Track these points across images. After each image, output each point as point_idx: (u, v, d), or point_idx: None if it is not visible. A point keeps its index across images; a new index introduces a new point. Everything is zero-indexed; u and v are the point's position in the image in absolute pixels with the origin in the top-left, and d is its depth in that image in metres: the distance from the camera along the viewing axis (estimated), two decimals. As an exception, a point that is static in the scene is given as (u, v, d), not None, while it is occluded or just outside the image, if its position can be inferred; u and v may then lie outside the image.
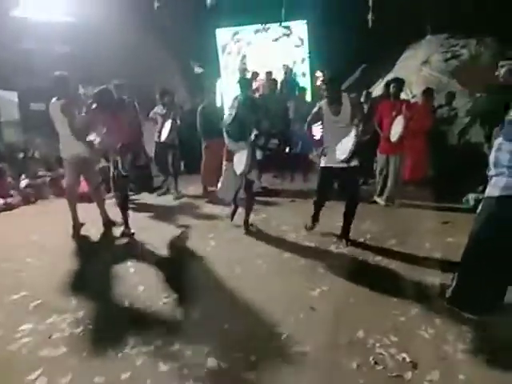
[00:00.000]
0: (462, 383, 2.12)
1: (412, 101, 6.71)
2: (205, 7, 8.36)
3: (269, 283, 3.27)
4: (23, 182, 6.36)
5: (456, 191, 5.49)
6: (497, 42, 8.49)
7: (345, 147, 3.66)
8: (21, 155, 7.02)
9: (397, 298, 2.97)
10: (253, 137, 4.26)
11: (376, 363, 2.25)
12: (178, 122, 6.20)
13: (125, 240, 4.32)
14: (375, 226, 4.57)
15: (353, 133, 3.60)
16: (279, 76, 8.69)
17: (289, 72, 9.04)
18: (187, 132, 6.68)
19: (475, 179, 5.60)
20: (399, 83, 5.25)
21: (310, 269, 3.52)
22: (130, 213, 4.52)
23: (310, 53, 9.85)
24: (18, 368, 2.30)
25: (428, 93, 6.28)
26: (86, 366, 2.29)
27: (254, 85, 8.42)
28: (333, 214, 4.33)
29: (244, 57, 10.08)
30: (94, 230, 4.61)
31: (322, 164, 4.01)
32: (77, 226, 4.49)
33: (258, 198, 5.69)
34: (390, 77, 8.44)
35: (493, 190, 2.44)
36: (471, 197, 5.28)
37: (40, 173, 6.77)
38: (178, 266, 3.70)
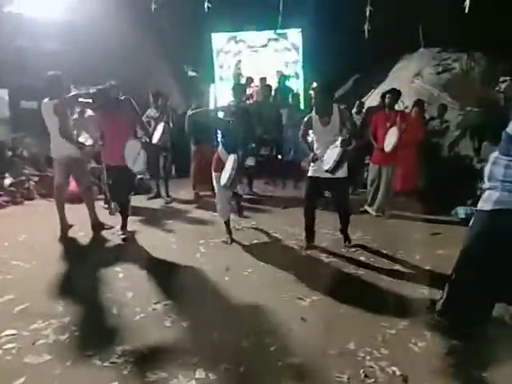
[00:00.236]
0: (452, 398, 2.12)
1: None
2: (201, 10, 8.34)
3: (259, 292, 3.23)
4: (7, 181, 6.25)
5: (445, 203, 5.53)
6: (487, 58, 8.66)
7: (330, 157, 3.67)
8: (9, 153, 6.89)
9: (386, 310, 2.96)
10: (245, 148, 4.21)
11: (366, 376, 2.23)
12: (171, 125, 6.18)
13: (113, 243, 4.27)
14: (366, 236, 4.57)
15: (338, 142, 3.61)
16: (273, 82, 8.72)
17: (282, 79, 9.07)
18: (179, 136, 6.65)
19: (464, 192, 5.69)
20: (395, 94, 5.29)
21: (301, 278, 3.48)
22: (119, 216, 4.47)
23: (303, 61, 9.91)
24: (0, 375, 2.23)
25: (419, 104, 6.35)
26: (71, 375, 2.23)
27: (248, 91, 8.45)
28: (321, 224, 4.33)
29: (239, 62, 10.09)
30: (82, 233, 4.55)
31: (310, 174, 4.02)
32: (65, 227, 4.42)
33: (248, 205, 5.71)
34: (382, 88, 8.56)
35: (485, 203, 2.46)
36: (460, 209, 5.33)
37: (26, 172, 6.66)
38: (168, 272, 3.65)
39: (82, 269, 3.68)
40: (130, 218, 4.70)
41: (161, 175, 6.43)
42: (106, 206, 5.50)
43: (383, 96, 5.75)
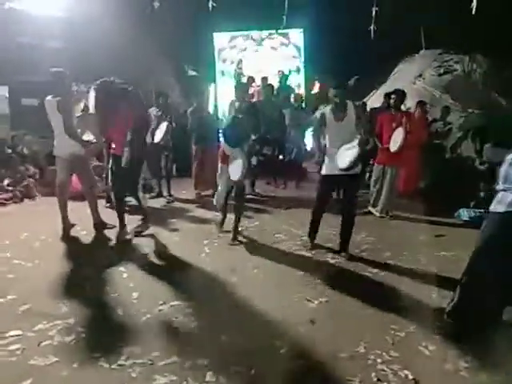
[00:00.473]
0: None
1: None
2: (203, 10, 8.32)
3: (266, 294, 3.20)
4: (6, 180, 6.18)
5: (448, 205, 5.52)
6: (488, 60, 8.67)
7: (346, 155, 3.60)
8: (8, 151, 6.82)
9: (394, 312, 2.93)
10: (250, 143, 4.23)
11: (379, 380, 2.21)
12: (174, 124, 6.15)
13: (116, 242, 4.23)
14: (371, 237, 4.55)
15: (356, 142, 3.54)
16: (274, 82, 8.69)
17: (284, 78, 9.05)
18: (179, 135, 6.61)
19: (467, 194, 5.69)
20: (400, 95, 5.27)
21: (308, 279, 3.46)
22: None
23: (305, 61, 9.89)
24: (6, 376, 2.18)
25: (422, 105, 6.34)
26: (78, 378, 2.19)
27: (250, 90, 8.40)
28: (326, 224, 4.30)
29: (240, 61, 10.05)
30: (84, 232, 4.49)
31: (324, 172, 3.93)
32: (67, 226, 4.36)
33: (251, 205, 5.67)
34: (384, 89, 8.55)
35: (499, 205, 2.44)
36: (463, 211, 5.32)
37: (26, 170, 6.58)
38: (173, 272, 3.60)
39: (85, 268, 3.63)
40: (131, 218, 4.70)
41: (162, 174, 6.39)
42: (108, 204, 5.46)
43: (387, 96, 5.74)
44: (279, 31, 9.62)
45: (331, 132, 3.88)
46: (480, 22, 8.06)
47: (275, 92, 8.04)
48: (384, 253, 4.09)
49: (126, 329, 2.65)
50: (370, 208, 5.59)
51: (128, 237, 4.32)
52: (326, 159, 3.88)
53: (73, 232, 4.44)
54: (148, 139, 6.04)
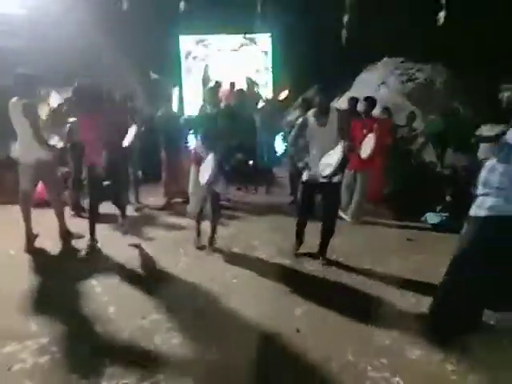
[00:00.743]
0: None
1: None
2: (170, 12, 8.17)
3: (248, 304, 3.12)
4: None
5: (414, 209, 5.68)
6: (447, 70, 9.10)
7: (329, 162, 3.54)
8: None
9: (376, 318, 2.96)
10: (225, 147, 4.14)
11: (372, 388, 2.21)
12: (143, 128, 5.95)
13: (85, 253, 4.01)
14: (345, 243, 4.58)
15: (339, 148, 3.45)
16: (242, 87, 8.64)
17: (251, 84, 9.02)
18: (147, 139, 6.40)
19: (431, 198, 5.90)
20: (371, 101, 5.38)
21: (287, 288, 3.42)
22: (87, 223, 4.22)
23: (273, 66, 9.94)
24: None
25: (387, 111, 6.52)
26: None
27: (218, 94, 8.31)
28: (309, 232, 4.27)
29: (207, 66, 9.90)
30: (49, 242, 4.23)
31: (304, 179, 3.88)
32: (31, 237, 4.08)
33: (223, 212, 5.56)
34: (347, 95, 8.72)
35: (479, 210, 2.51)
36: (430, 215, 5.50)
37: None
38: (149, 284, 3.45)
39: (54, 283, 3.41)
40: (99, 226, 4.48)
41: (130, 180, 6.15)
42: (73, 212, 5.18)
43: (353, 100, 5.83)
44: (247, 35, 9.60)
45: (313, 137, 3.80)
46: (440, 32, 8.48)
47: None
48: (360, 258, 4.12)
49: (105, 347, 2.51)
50: (341, 213, 5.64)
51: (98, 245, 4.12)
52: (307, 165, 3.82)
53: (37, 243, 4.16)
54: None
